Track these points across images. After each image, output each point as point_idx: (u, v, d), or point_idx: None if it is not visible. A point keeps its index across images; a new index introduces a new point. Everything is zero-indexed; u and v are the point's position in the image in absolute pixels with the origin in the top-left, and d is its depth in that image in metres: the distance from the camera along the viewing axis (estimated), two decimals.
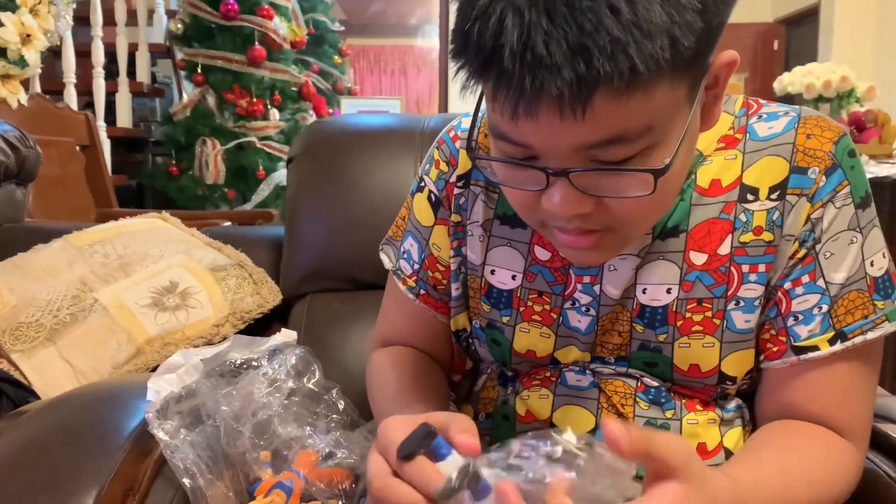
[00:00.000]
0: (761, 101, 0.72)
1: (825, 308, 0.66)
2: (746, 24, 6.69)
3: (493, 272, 0.77)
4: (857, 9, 5.86)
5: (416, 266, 0.83)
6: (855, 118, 2.66)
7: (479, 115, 0.64)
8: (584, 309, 0.73)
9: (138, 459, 0.78)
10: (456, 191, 0.78)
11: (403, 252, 0.85)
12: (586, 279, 0.72)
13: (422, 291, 0.84)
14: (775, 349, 0.68)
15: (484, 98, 0.57)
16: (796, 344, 0.67)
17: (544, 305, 0.75)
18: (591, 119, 0.50)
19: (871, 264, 0.66)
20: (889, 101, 3.30)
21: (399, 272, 0.85)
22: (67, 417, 0.85)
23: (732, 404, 0.73)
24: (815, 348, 0.66)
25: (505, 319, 0.76)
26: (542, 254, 0.74)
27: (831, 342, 0.66)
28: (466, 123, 0.79)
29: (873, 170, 2.12)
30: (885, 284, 0.67)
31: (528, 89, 0.49)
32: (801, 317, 0.67)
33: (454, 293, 0.81)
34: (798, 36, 6.72)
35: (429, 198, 0.81)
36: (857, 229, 0.66)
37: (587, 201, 0.56)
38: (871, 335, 0.66)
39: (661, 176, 0.53)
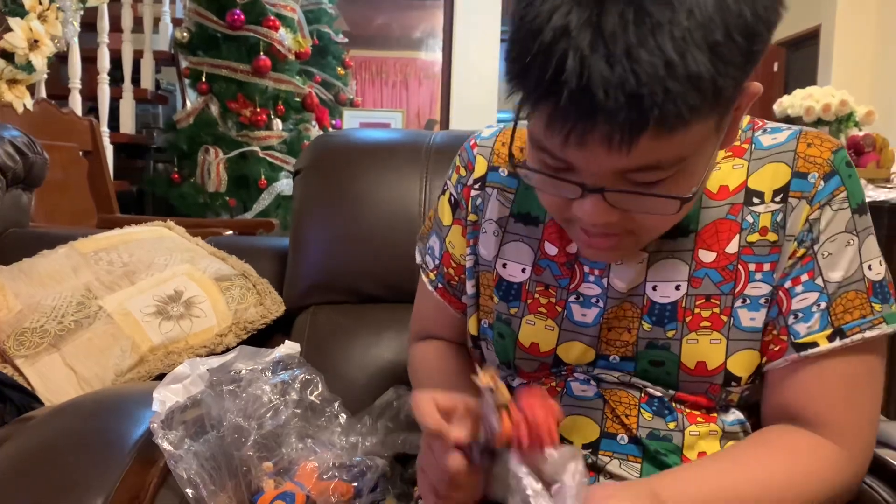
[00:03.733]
0: (766, 121, 0.77)
1: (823, 305, 0.69)
2: None
3: (504, 265, 0.82)
4: (857, 33, 5.90)
5: (437, 262, 0.91)
6: (853, 142, 2.68)
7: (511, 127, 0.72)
8: (592, 300, 0.76)
9: (144, 468, 0.79)
10: (473, 193, 0.85)
11: (429, 248, 0.94)
12: (597, 272, 0.76)
13: (439, 285, 0.91)
14: (777, 349, 0.71)
15: (521, 111, 0.62)
16: (796, 341, 0.70)
17: (550, 298, 0.79)
18: (635, 152, 0.55)
19: (869, 268, 0.70)
20: (887, 125, 3.32)
21: (424, 266, 0.94)
22: (74, 424, 0.86)
23: (733, 417, 0.75)
24: (814, 344, 0.69)
25: (513, 311, 0.81)
26: (550, 249, 0.79)
27: (830, 339, 0.69)
28: (486, 133, 0.88)
29: (871, 194, 2.13)
30: (882, 290, 0.70)
31: (582, 126, 0.54)
32: (800, 314, 0.70)
33: (469, 291, 0.87)
34: (798, 59, 6.77)
35: (449, 200, 0.89)
36: (854, 232, 0.70)
37: (615, 213, 0.61)
38: (868, 334, 0.68)
39: (687, 202, 0.61)
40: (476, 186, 0.85)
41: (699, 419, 0.74)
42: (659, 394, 0.75)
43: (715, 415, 0.74)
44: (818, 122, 2.93)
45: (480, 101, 4.87)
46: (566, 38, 0.52)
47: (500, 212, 0.83)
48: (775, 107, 3.09)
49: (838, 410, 0.70)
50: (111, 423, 0.87)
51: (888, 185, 2.39)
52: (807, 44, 6.46)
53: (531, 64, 0.54)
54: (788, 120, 2.97)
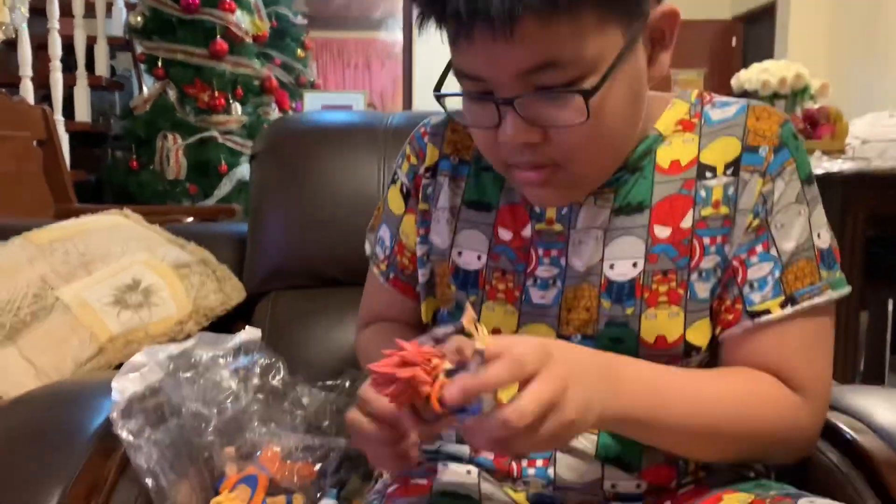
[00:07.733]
0: (714, 94, 0.79)
1: (777, 275, 0.72)
2: (705, 21, 6.78)
3: (459, 254, 0.82)
4: (812, 8, 5.97)
5: (388, 252, 0.91)
6: (809, 115, 2.72)
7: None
8: (550, 282, 0.77)
9: (103, 459, 0.79)
10: (424, 181, 0.86)
11: (379, 239, 0.93)
12: (553, 252, 0.77)
13: (391, 275, 0.91)
14: (731, 317, 0.74)
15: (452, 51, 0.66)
16: (750, 309, 0.72)
17: (507, 284, 0.79)
18: (521, 41, 0.59)
19: (818, 236, 0.73)
20: (841, 98, 3.38)
21: (374, 257, 0.94)
22: (31, 417, 0.85)
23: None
24: (767, 312, 0.72)
25: (472, 299, 0.81)
26: (504, 234, 0.80)
27: (782, 305, 0.72)
28: (436, 120, 0.88)
29: (826, 165, 2.17)
30: (829, 257, 0.74)
31: (465, 17, 0.59)
32: (755, 284, 0.72)
33: (421, 279, 0.87)
34: (755, 33, 6.83)
35: (401, 189, 0.89)
36: (804, 203, 0.73)
37: (534, 132, 0.65)
38: (817, 300, 0.72)
39: (590, 97, 0.62)
40: (427, 175, 0.86)
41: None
42: None
43: None
44: (774, 96, 2.97)
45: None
46: None
47: (451, 200, 0.83)
48: (733, 81, 3.12)
49: (797, 367, 0.73)
50: (69, 414, 0.86)
51: (842, 157, 2.44)
52: (763, 18, 6.53)
53: None
54: (746, 94, 3.01)
